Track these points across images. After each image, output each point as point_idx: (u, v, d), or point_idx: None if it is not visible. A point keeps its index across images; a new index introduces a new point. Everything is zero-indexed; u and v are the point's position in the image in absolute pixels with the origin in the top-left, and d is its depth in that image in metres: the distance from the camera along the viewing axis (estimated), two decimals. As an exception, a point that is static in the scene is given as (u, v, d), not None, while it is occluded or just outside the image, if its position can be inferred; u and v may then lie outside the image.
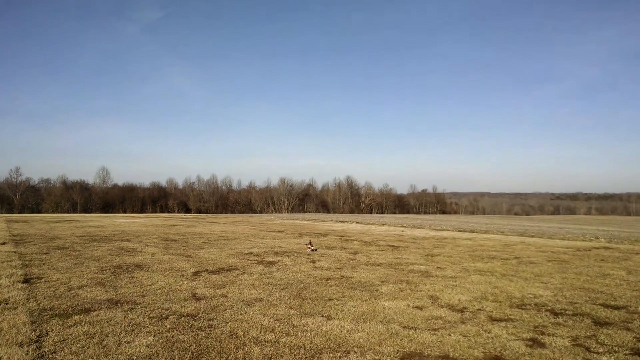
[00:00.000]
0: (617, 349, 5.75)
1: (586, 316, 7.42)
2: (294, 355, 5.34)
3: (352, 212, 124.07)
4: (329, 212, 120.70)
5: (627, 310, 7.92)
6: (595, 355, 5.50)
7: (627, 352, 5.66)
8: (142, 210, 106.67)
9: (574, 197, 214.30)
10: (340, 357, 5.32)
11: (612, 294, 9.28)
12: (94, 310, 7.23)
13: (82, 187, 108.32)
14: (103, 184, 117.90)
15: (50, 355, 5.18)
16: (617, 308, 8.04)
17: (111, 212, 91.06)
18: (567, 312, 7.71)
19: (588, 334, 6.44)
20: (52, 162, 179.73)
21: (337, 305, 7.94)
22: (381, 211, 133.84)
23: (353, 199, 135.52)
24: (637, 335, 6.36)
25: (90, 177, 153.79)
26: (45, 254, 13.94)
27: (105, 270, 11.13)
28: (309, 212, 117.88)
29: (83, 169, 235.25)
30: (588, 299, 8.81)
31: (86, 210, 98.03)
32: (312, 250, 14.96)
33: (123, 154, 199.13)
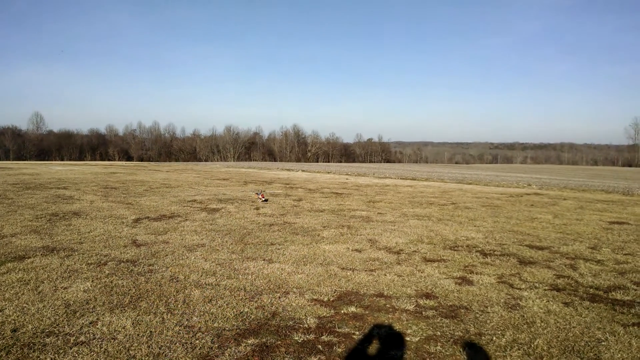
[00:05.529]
0: (537, 285, 6.21)
1: (512, 256, 7.92)
2: (234, 296, 5.44)
3: (298, 160, 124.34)
4: (275, 160, 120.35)
5: (550, 250, 8.50)
6: (517, 291, 5.92)
7: (546, 287, 6.12)
8: (81, 158, 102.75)
9: (511, 146, 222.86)
10: (279, 297, 5.47)
11: (538, 236, 9.90)
12: (29, 258, 7.03)
13: (15, 134, 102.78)
14: (37, 131, 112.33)
15: (-18, 303, 5.03)
16: (541, 249, 8.62)
17: (47, 160, 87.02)
18: (495, 252, 8.19)
19: (513, 272, 6.89)
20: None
21: (278, 249, 8.08)
22: (327, 160, 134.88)
23: (300, 148, 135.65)
24: (557, 273, 6.87)
25: (22, 123, 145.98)
26: (-26, 202, 13.27)
27: (41, 218, 10.76)
28: (256, 160, 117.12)
29: (14, 115, 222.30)
30: (516, 240, 9.38)
31: (20, 158, 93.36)
32: (263, 201, 14.87)
33: (57, 100, 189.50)
